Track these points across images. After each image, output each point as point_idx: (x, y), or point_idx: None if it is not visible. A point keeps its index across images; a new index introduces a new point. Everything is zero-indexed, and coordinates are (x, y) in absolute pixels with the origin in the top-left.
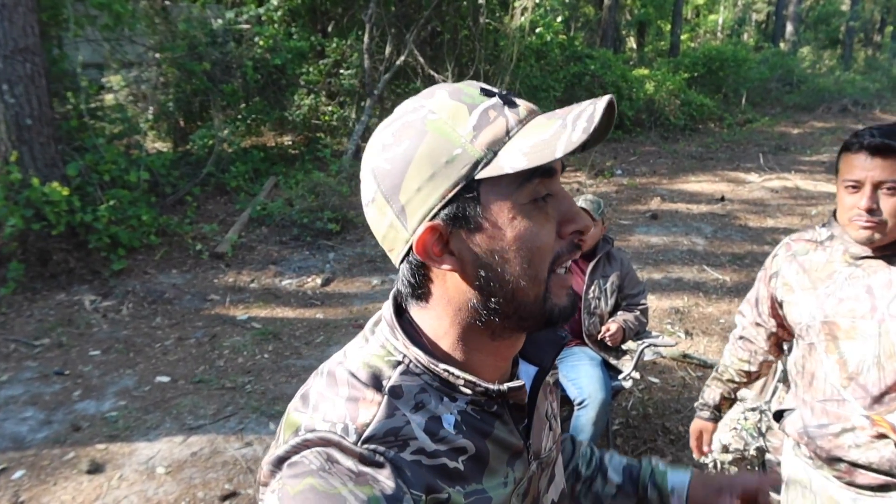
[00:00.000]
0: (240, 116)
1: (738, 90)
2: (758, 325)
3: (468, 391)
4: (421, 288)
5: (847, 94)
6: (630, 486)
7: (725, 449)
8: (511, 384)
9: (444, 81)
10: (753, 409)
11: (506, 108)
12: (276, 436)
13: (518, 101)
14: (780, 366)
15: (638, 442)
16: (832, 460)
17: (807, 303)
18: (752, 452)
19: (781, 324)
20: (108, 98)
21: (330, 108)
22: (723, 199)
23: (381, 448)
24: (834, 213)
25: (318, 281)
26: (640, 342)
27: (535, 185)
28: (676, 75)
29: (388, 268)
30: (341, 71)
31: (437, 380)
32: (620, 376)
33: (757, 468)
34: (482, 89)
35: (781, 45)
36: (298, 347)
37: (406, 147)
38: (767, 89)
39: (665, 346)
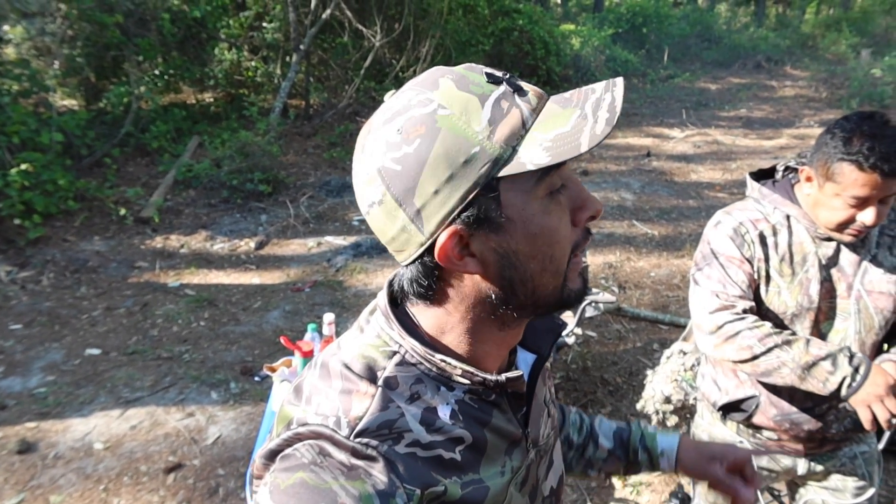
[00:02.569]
0: (157, 72)
1: (661, 46)
2: (751, 310)
3: (465, 381)
4: (433, 289)
5: (761, 51)
6: (621, 450)
7: (667, 399)
8: (510, 374)
9: (373, 37)
10: (694, 364)
11: (516, 96)
12: (270, 429)
13: (525, 85)
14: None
15: (579, 394)
16: (809, 439)
17: (791, 291)
18: (692, 402)
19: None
20: (9, 51)
21: (253, 64)
22: (649, 154)
23: (375, 442)
24: (756, 179)
25: (252, 244)
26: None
27: (553, 177)
28: (602, 31)
29: (323, 229)
30: (264, 24)
31: (434, 370)
32: (563, 332)
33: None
34: (488, 75)
35: (699, 0)
36: (236, 313)
37: (418, 147)
38: (687, 45)
39: (605, 302)
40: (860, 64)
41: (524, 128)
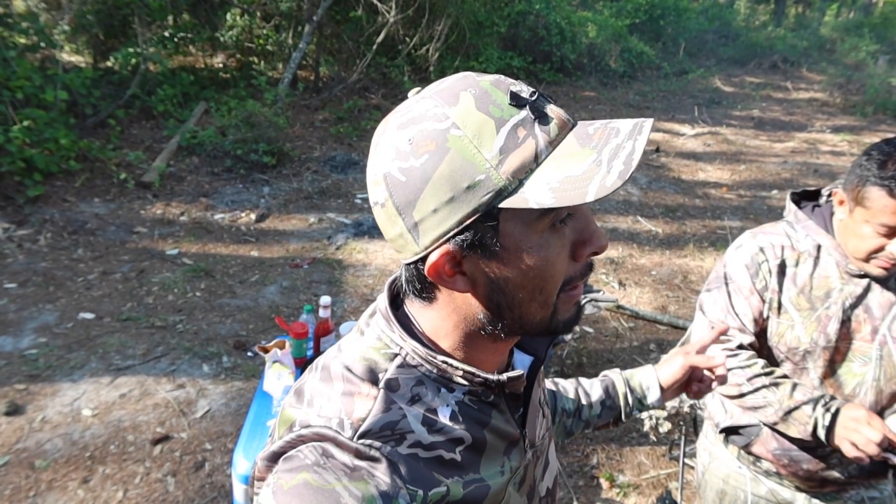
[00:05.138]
0: (167, 34)
1: (677, 40)
2: (751, 345)
3: (465, 382)
4: (426, 292)
5: (777, 51)
6: (611, 400)
7: (661, 406)
8: (511, 374)
9: (388, 12)
10: None
11: (537, 124)
12: (271, 432)
13: (550, 111)
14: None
15: None
16: (809, 479)
17: (807, 327)
18: (686, 409)
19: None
20: (18, 3)
21: (265, 32)
22: (658, 149)
23: (378, 443)
24: (795, 201)
25: (253, 216)
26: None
27: (558, 211)
28: (619, 21)
29: (325, 205)
30: None
31: (435, 371)
32: None
33: (690, 424)
34: (512, 95)
35: None
36: (232, 286)
37: (424, 162)
38: (704, 41)
39: (606, 301)
40: (877, 71)
41: (536, 161)
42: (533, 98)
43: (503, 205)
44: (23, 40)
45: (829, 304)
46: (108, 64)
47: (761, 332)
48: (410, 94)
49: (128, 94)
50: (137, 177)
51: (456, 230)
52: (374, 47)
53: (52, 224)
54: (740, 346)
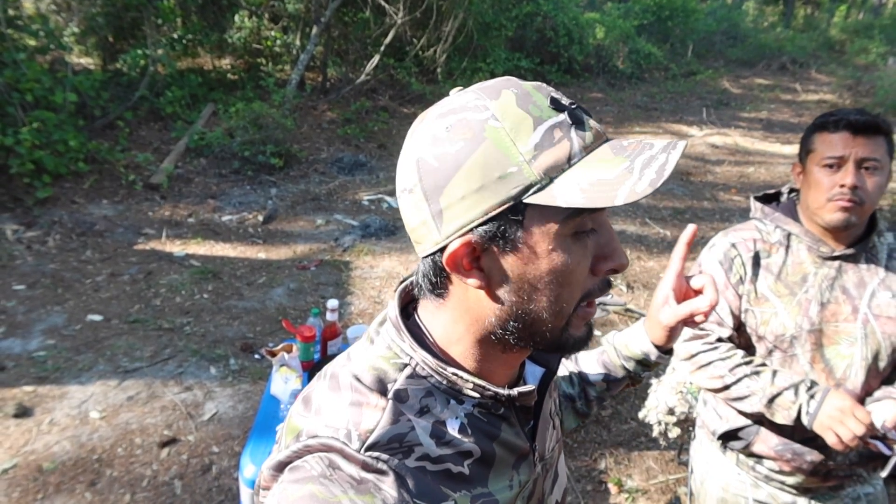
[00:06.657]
0: (175, 36)
1: (685, 41)
2: (729, 338)
3: (476, 395)
4: (440, 288)
5: (786, 52)
6: (612, 375)
7: (671, 411)
8: (521, 389)
9: (395, 14)
10: None
11: (573, 129)
12: (277, 440)
13: (588, 120)
14: None
15: None
16: (813, 472)
17: (789, 312)
18: (696, 415)
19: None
20: (28, 6)
21: (273, 33)
22: None
23: (385, 455)
24: (763, 202)
25: (260, 218)
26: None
27: (584, 219)
28: (626, 21)
29: (332, 207)
30: None
31: (445, 382)
32: None
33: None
34: (552, 100)
35: None
36: (240, 288)
37: (459, 149)
38: (712, 42)
39: (614, 304)
40: (887, 73)
41: (569, 162)
42: (572, 106)
43: (531, 200)
44: (32, 42)
45: (806, 287)
46: (117, 66)
47: (740, 328)
48: (452, 92)
49: (136, 95)
50: (145, 178)
51: (481, 220)
52: (382, 49)
53: (61, 226)
54: (719, 340)
